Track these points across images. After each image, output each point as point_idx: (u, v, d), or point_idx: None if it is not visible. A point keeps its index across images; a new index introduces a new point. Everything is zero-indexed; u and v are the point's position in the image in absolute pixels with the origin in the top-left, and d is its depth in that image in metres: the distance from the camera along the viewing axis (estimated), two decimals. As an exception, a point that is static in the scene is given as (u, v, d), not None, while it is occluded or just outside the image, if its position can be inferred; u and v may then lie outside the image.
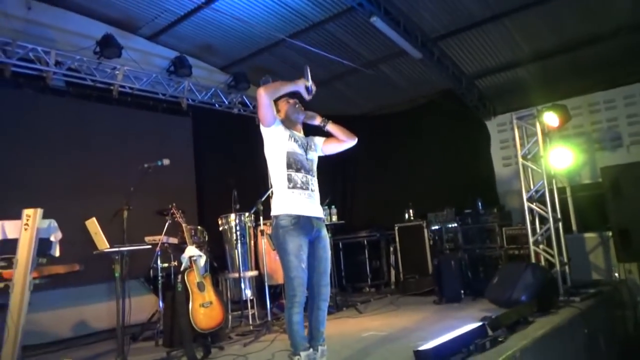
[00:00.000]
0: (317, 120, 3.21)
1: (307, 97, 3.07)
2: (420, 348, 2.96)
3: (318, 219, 3.08)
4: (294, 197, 3.00)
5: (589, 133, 7.29)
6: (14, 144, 5.33)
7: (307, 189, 3.05)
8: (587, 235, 6.83)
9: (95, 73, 5.93)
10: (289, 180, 3.01)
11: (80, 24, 6.26)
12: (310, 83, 3.05)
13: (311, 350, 2.92)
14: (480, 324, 3.48)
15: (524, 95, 7.79)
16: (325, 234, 3.12)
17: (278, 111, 3.15)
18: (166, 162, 4.18)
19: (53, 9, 6.07)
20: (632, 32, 6.38)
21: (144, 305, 6.03)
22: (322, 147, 3.27)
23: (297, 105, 3.20)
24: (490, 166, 8.23)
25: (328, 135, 3.28)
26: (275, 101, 3.17)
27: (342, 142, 3.23)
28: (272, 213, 3.06)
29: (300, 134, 3.23)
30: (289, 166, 3.03)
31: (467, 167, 8.16)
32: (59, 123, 5.75)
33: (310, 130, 3.37)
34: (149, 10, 6.46)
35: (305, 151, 3.14)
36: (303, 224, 2.97)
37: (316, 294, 3.03)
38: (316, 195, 3.12)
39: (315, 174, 3.17)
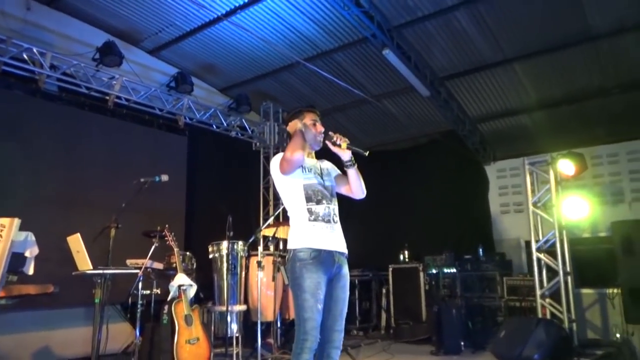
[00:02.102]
0: (346, 156, 2.77)
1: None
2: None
3: (341, 254, 2.75)
4: (316, 230, 2.69)
5: (591, 186, 7.16)
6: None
7: (329, 221, 2.74)
8: (585, 291, 6.58)
9: (92, 81, 5.60)
10: (310, 212, 2.71)
11: (80, 30, 6.01)
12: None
13: (318, 404, 2.54)
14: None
15: (526, 142, 7.73)
16: (346, 272, 2.77)
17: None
18: (164, 178, 3.84)
19: (53, 12, 5.83)
20: (639, 88, 6.37)
21: (116, 334, 5.55)
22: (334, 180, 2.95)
23: (320, 135, 2.86)
24: (488, 212, 8.05)
25: (342, 170, 2.92)
26: (292, 119, 2.91)
27: (354, 193, 2.88)
28: (290, 246, 2.72)
29: (310, 159, 2.92)
30: (308, 199, 2.73)
31: (464, 211, 7.96)
32: (47, 129, 5.37)
33: (324, 153, 3.02)
34: (154, 23, 6.24)
35: (322, 177, 2.84)
36: (324, 259, 2.64)
37: (327, 339, 2.65)
38: (338, 227, 2.80)
39: (336, 202, 2.86)
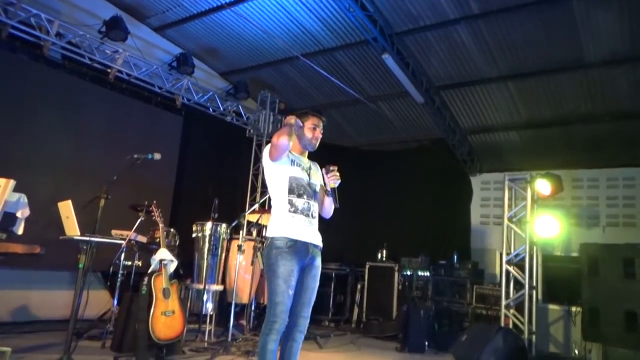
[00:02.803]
0: (328, 186, 2.94)
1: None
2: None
3: (315, 246, 2.94)
4: (294, 222, 2.87)
5: (569, 207, 7.39)
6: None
7: (308, 215, 2.92)
8: (551, 306, 6.82)
9: (95, 53, 5.70)
10: (290, 204, 2.89)
11: (89, 0, 6.08)
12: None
13: (279, 382, 2.72)
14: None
15: (512, 158, 7.96)
16: (318, 264, 2.96)
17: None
18: (157, 156, 3.97)
19: (64, -20, 5.90)
20: (623, 118, 6.61)
21: (94, 301, 5.67)
22: None
23: (317, 141, 3.06)
24: (468, 222, 8.25)
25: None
26: (295, 114, 3.07)
27: (322, 211, 3.08)
28: (268, 234, 2.91)
29: (303, 157, 3.10)
30: (290, 191, 2.91)
31: (445, 218, 8.18)
32: (47, 95, 5.48)
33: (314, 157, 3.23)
34: (162, 1, 6.35)
35: (308, 175, 3.01)
36: (299, 248, 2.83)
37: (294, 324, 2.84)
38: (316, 222, 2.99)
39: (317, 198, 3.04)
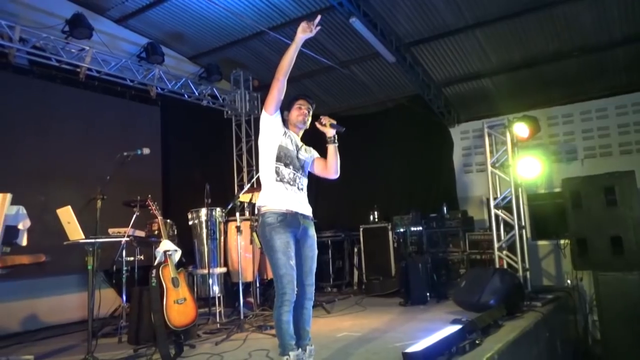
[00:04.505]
0: (329, 133, 3.07)
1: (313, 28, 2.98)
2: (409, 350, 2.98)
3: (305, 216, 3.04)
4: (281, 191, 2.96)
5: (547, 145, 7.60)
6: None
7: (294, 185, 3.01)
8: (541, 242, 7.14)
9: (62, 53, 5.59)
10: (277, 172, 2.98)
11: (44, 0, 5.91)
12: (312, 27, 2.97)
13: (299, 350, 2.87)
14: (461, 327, 3.55)
15: (488, 104, 8.10)
16: (312, 233, 3.08)
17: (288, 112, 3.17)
18: (146, 151, 4.00)
19: (14, -19, 5.71)
20: (591, 52, 6.75)
21: (102, 299, 5.75)
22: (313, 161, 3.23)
23: (304, 117, 3.13)
24: (452, 172, 8.44)
25: (321, 154, 3.23)
26: (290, 107, 3.16)
27: (328, 170, 3.15)
28: (258, 204, 3.01)
29: (296, 135, 3.17)
30: (278, 159, 3.00)
31: (430, 172, 8.37)
32: (20, 103, 5.40)
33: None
34: (119, -9, 6.20)
35: (297, 150, 3.10)
36: (289, 220, 2.93)
37: (301, 292, 2.97)
38: (304, 194, 3.08)
39: (305, 174, 3.13)
